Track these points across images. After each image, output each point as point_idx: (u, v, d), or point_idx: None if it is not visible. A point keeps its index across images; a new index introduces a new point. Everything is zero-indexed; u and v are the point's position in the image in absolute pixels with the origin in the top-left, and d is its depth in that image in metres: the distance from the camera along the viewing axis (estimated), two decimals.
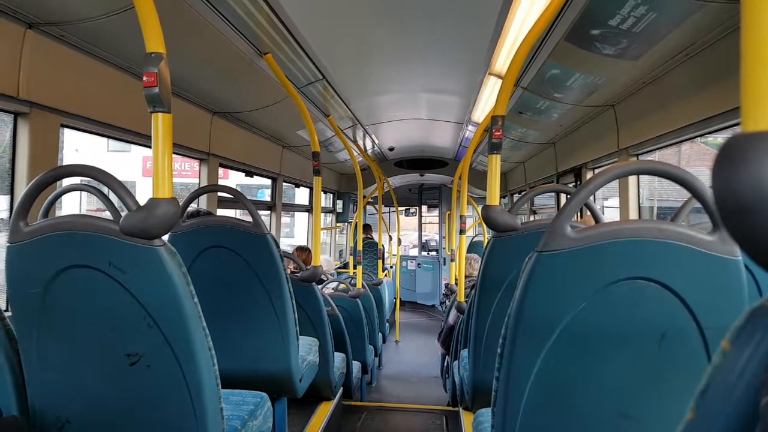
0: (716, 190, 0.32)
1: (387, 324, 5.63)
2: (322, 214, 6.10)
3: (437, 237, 8.70)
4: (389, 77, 3.05)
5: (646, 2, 1.46)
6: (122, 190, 1.02)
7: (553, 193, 4.14)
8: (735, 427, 0.35)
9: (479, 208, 5.13)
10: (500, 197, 1.68)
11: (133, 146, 2.57)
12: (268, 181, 4.24)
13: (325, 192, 6.35)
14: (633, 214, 2.48)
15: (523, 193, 4.75)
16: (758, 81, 0.30)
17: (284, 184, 4.34)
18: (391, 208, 8.95)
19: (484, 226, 4.10)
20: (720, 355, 0.37)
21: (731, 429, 0.35)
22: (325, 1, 1.90)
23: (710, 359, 0.38)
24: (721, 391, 0.36)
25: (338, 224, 7.02)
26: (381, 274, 5.49)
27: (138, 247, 1.01)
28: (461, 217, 3.78)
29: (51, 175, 1.07)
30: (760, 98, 0.30)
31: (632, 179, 2.48)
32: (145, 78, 1.00)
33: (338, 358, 2.83)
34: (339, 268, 6.55)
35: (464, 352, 2.36)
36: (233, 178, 9.90)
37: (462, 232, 3.75)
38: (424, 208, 9.09)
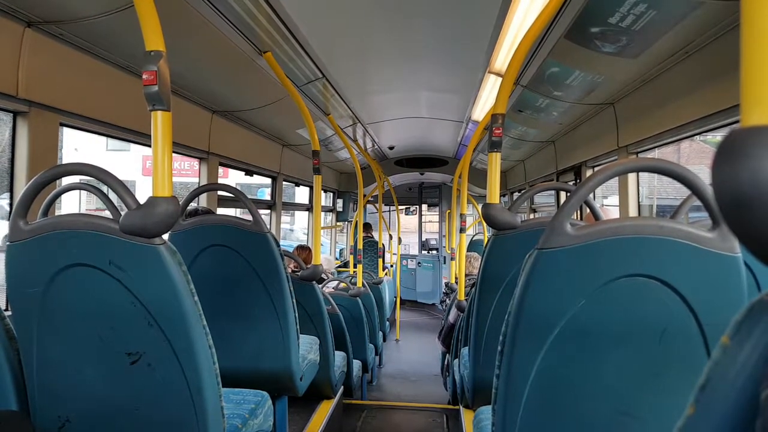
0: (716, 185, 0.32)
1: (387, 323, 5.63)
2: (322, 213, 6.10)
3: (437, 236, 8.70)
4: (389, 76, 3.05)
5: (645, 0, 1.46)
6: (122, 188, 1.02)
7: (552, 192, 4.15)
8: (735, 420, 0.35)
9: (479, 207, 5.14)
10: (500, 195, 1.68)
11: (132, 145, 2.57)
12: (268, 180, 4.24)
13: (325, 191, 6.35)
14: (633, 212, 2.48)
15: (523, 191, 4.75)
16: (758, 76, 0.30)
17: (284, 183, 4.33)
18: (391, 206, 8.96)
19: (484, 224, 4.10)
20: (720, 349, 0.37)
21: (731, 422, 0.35)
22: (325, 0, 1.89)
23: (710, 356, 0.38)
24: (721, 386, 0.36)
25: (338, 223, 7.01)
26: (381, 273, 5.50)
27: (138, 245, 1.01)
28: (461, 215, 3.78)
29: (50, 173, 1.07)
30: (760, 93, 0.30)
31: (632, 177, 2.48)
32: (144, 76, 1.00)
33: (339, 356, 2.83)
34: (339, 267, 6.56)
35: (464, 350, 2.36)
36: (233, 177, 9.91)
37: (462, 230, 3.75)
38: (424, 206, 9.09)
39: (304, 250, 3.91)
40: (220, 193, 3.00)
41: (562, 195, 3.45)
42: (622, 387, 0.96)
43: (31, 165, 1.65)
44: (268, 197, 4.25)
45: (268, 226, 1.79)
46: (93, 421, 1.14)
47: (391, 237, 8.01)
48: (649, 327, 0.93)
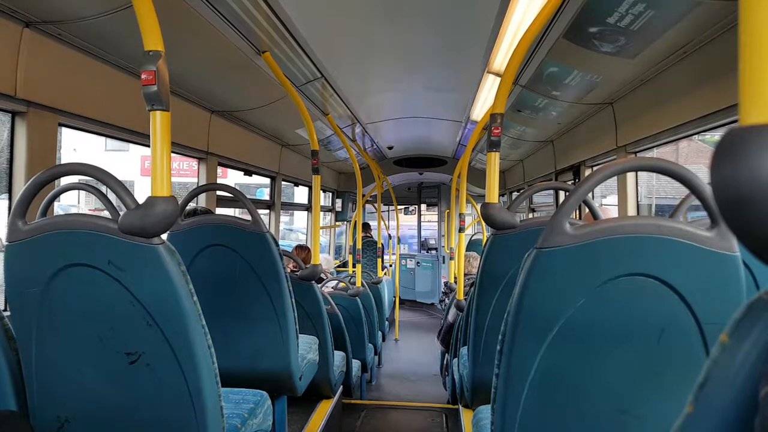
0: (715, 184, 0.32)
1: (386, 322, 5.63)
2: (321, 213, 6.10)
3: (436, 235, 8.71)
4: (388, 76, 3.05)
5: (643, 0, 1.47)
6: (121, 188, 1.02)
7: (551, 191, 4.15)
8: (733, 418, 0.35)
9: (478, 206, 5.14)
10: (499, 195, 1.68)
11: (131, 146, 2.57)
12: (267, 180, 4.24)
13: (324, 191, 6.35)
14: (631, 211, 2.48)
15: (522, 191, 4.75)
16: (756, 75, 0.30)
17: (283, 183, 4.33)
18: (390, 206, 8.95)
19: (483, 224, 4.10)
20: (719, 348, 0.37)
21: (730, 421, 0.35)
22: (323, 0, 1.89)
23: (709, 354, 0.39)
24: (720, 384, 0.36)
25: (337, 223, 7.01)
26: (380, 273, 5.50)
27: (137, 245, 1.01)
28: (460, 215, 3.78)
29: (49, 174, 1.07)
30: (758, 92, 0.30)
31: (630, 176, 2.48)
32: (143, 76, 1.00)
33: (338, 356, 2.83)
34: (338, 266, 6.55)
35: (464, 350, 2.36)
36: (232, 177, 9.90)
37: (461, 230, 3.75)
38: (423, 206, 9.09)
39: (303, 250, 3.90)
40: (219, 193, 3.00)
41: (561, 195, 3.45)
42: (622, 386, 0.96)
43: (29, 165, 1.65)
44: (267, 197, 4.25)
45: (268, 226, 1.79)
46: (92, 421, 1.14)
47: (390, 237, 8.01)
48: (648, 326, 0.93)
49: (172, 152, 1.15)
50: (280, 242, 2.14)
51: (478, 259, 1.95)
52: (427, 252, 8.95)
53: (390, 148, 5.86)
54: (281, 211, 4.26)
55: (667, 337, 0.93)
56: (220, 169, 3.13)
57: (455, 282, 3.69)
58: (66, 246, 1.05)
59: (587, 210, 1.75)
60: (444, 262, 7.91)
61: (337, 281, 4.11)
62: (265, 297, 1.80)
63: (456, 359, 2.69)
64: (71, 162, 1.10)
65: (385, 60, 2.71)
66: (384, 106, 3.87)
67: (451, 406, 3.50)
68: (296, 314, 1.87)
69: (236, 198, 1.87)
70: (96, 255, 1.04)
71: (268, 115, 3.15)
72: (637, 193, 2.53)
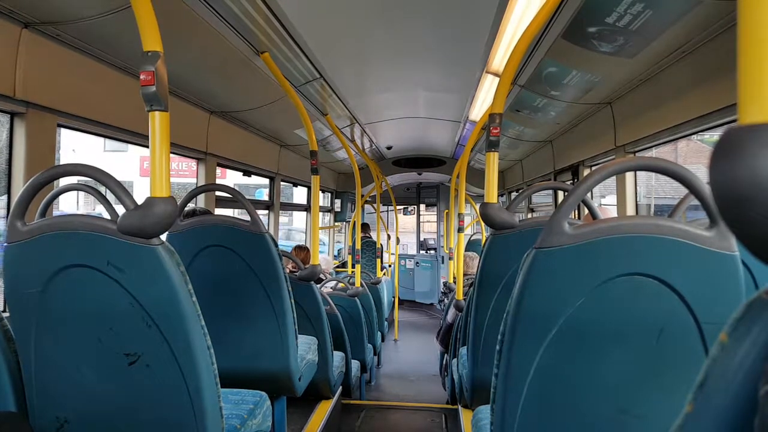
0: (714, 183, 0.32)
1: (386, 323, 5.63)
2: (320, 213, 6.10)
3: (435, 236, 8.71)
4: (387, 76, 3.05)
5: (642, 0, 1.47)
6: (120, 189, 1.02)
7: (550, 191, 4.16)
8: (733, 418, 0.35)
9: (477, 206, 5.14)
10: (498, 195, 1.68)
11: (130, 146, 2.56)
12: (266, 181, 4.23)
13: (323, 191, 6.34)
14: (630, 211, 2.49)
15: (521, 191, 4.75)
16: (755, 74, 0.30)
17: (282, 183, 4.33)
18: (389, 207, 8.96)
19: (482, 224, 4.10)
20: (718, 347, 0.37)
21: (729, 420, 0.35)
22: (322, 0, 1.89)
23: (708, 354, 0.39)
24: (719, 383, 0.36)
25: (336, 223, 7.02)
26: (379, 273, 5.49)
27: (136, 246, 1.01)
28: (459, 215, 3.78)
29: (48, 174, 1.07)
30: (757, 91, 0.30)
31: (629, 176, 2.48)
32: (142, 77, 1.00)
33: (337, 356, 2.83)
34: (337, 267, 6.55)
35: (463, 350, 2.36)
36: (231, 178, 9.90)
37: (460, 230, 3.75)
38: (422, 206, 9.10)
39: (302, 251, 3.90)
40: (218, 193, 3.00)
41: (560, 194, 3.46)
42: (621, 385, 0.96)
43: (28, 166, 1.64)
44: (266, 198, 4.25)
45: (267, 227, 1.79)
46: (91, 421, 1.14)
47: (389, 237, 8.02)
48: (648, 325, 0.93)
49: (171, 153, 1.15)
50: (282, 243, 2.14)
51: (477, 259, 1.95)
52: (426, 252, 8.96)
53: (389, 148, 5.86)
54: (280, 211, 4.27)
55: (666, 336, 0.93)
56: (219, 170, 3.13)
57: (454, 282, 3.69)
58: (65, 247, 1.05)
59: (586, 210, 1.75)
60: (443, 262, 7.91)
61: (336, 281, 4.11)
62: (264, 297, 1.79)
63: (455, 359, 2.70)
64: (70, 163, 1.10)
65: (383, 60, 2.71)
66: (382, 106, 3.87)
67: (450, 406, 3.50)
68: (295, 315, 1.87)
69: (235, 198, 1.87)
70: (95, 256, 1.04)
71: (267, 115, 3.15)
72: (636, 193, 2.53)
